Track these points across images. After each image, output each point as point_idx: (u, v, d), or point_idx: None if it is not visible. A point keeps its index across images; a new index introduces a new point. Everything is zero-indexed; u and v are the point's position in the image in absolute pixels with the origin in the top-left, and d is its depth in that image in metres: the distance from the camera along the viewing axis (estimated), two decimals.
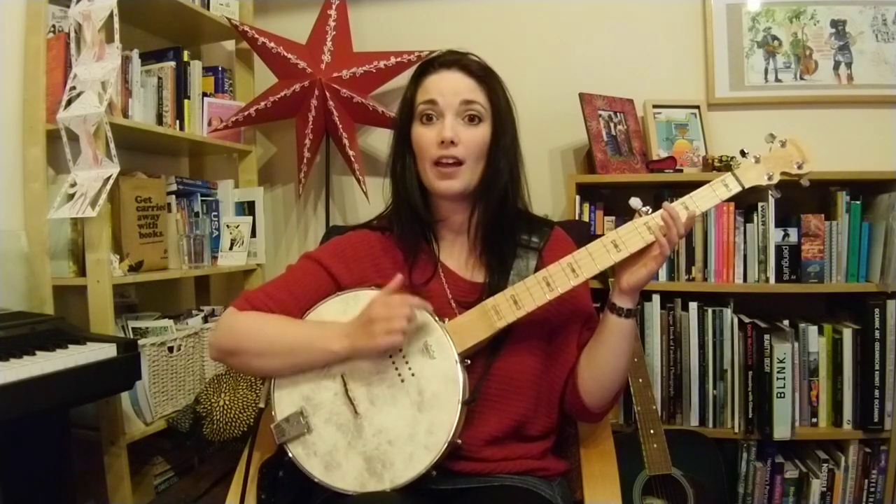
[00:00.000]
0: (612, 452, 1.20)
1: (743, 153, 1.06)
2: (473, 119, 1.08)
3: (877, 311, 1.72)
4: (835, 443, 1.82)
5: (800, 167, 1.04)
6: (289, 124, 2.17)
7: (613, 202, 1.94)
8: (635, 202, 1.04)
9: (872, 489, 1.77)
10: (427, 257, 1.14)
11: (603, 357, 1.07)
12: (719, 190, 1.03)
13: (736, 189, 1.03)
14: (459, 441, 1.00)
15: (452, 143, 1.06)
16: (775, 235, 1.79)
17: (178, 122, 1.98)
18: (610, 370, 1.07)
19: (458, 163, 1.07)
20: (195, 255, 1.99)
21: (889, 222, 1.71)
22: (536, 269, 1.08)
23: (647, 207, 1.03)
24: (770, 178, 1.04)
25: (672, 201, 1.03)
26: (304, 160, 2.12)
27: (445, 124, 1.06)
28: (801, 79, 2.01)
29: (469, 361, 1.03)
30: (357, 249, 1.16)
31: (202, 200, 2.10)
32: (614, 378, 1.08)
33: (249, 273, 2.22)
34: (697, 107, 2.05)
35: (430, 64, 1.12)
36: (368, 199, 2.15)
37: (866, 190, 1.79)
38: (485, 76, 1.11)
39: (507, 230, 1.13)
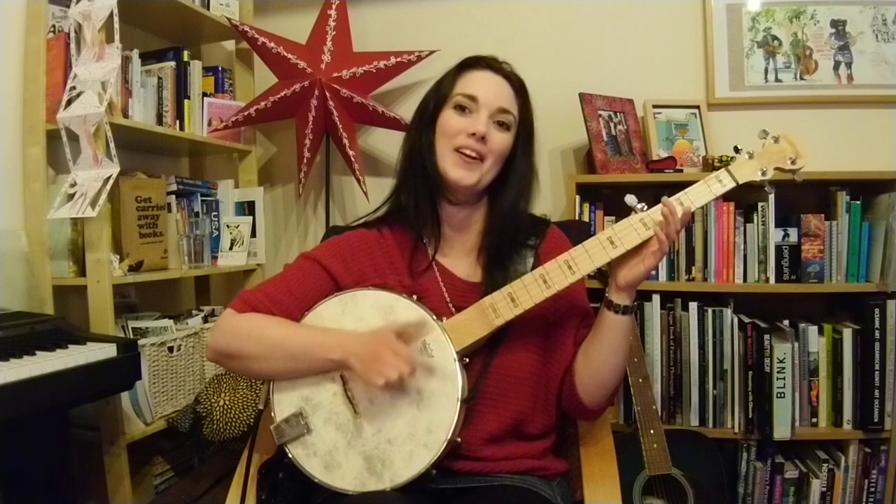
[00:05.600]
0: (611, 452, 1.20)
1: (736, 149, 1.06)
2: (503, 125, 1.11)
3: (877, 311, 1.72)
4: (835, 443, 1.82)
5: (793, 162, 1.04)
6: (289, 124, 2.17)
7: (613, 202, 1.94)
8: (631, 199, 1.04)
9: (872, 489, 1.77)
10: (424, 256, 1.15)
11: (600, 354, 1.07)
12: (713, 185, 1.03)
13: (730, 184, 1.03)
14: (459, 439, 1.00)
15: (483, 138, 1.07)
16: (775, 235, 1.79)
17: (178, 122, 1.98)
18: (607, 368, 1.08)
19: (480, 158, 1.09)
20: (195, 255, 1.99)
21: (889, 222, 1.71)
22: (533, 267, 1.09)
23: (643, 204, 1.03)
24: (764, 173, 1.04)
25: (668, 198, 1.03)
26: (304, 160, 2.12)
27: (479, 119, 1.08)
28: (801, 79, 2.01)
29: (468, 360, 1.03)
30: (355, 249, 1.16)
31: (202, 200, 2.10)
32: (611, 375, 1.09)
33: (249, 273, 2.22)
34: (697, 107, 2.05)
35: (479, 61, 1.15)
36: (368, 199, 2.15)
37: (866, 190, 1.79)
38: (522, 91, 1.16)
39: (512, 239, 1.14)
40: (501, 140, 1.11)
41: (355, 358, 0.98)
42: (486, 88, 1.11)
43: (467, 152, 1.08)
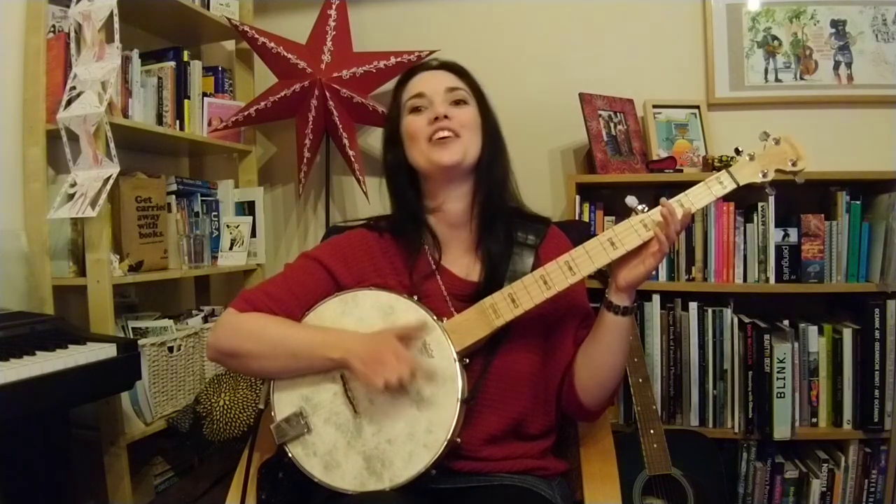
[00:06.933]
0: (611, 452, 1.20)
1: (738, 151, 1.07)
2: (459, 102, 1.13)
3: (877, 311, 1.72)
4: (835, 443, 1.82)
5: (794, 164, 1.05)
6: (289, 124, 2.17)
7: (613, 202, 1.94)
8: (631, 200, 1.04)
9: (872, 489, 1.76)
10: (424, 257, 1.15)
11: (600, 355, 1.07)
12: (714, 187, 1.03)
13: (731, 186, 1.03)
14: (458, 440, 1.00)
15: (446, 117, 1.09)
16: (775, 235, 1.79)
17: (178, 122, 1.98)
18: (607, 368, 1.08)
19: (455, 136, 1.10)
20: (195, 255, 1.99)
21: (889, 222, 1.71)
22: (533, 268, 1.09)
23: (644, 205, 1.03)
24: (765, 175, 1.04)
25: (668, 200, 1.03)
26: (304, 160, 2.12)
27: (435, 105, 1.11)
28: (801, 79, 2.01)
29: (468, 360, 1.03)
30: (356, 249, 1.16)
31: (202, 200, 2.10)
32: (611, 376, 1.09)
33: (249, 273, 2.22)
34: (697, 107, 2.05)
35: (412, 70, 1.19)
36: (368, 199, 2.15)
37: (866, 190, 1.79)
38: (463, 71, 1.19)
39: (505, 218, 1.15)
40: (465, 113, 1.13)
41: (356, 358, 0.98)
42: (426, 82, 1.15)
43: (440, 134, 1.09)
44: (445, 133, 1.09)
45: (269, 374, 1.07)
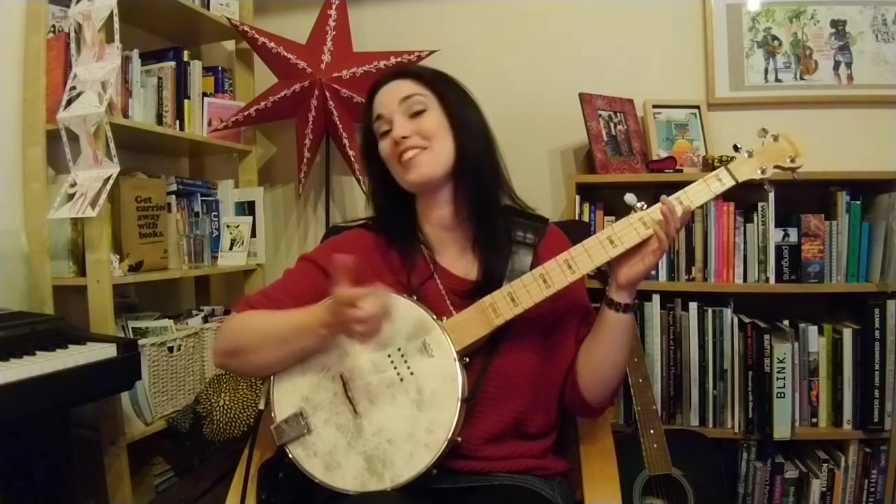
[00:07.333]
0: (612, 452, 1.20)
1: (736, 148, 1.06)
2: (418, 113, 1.10)
3: (877, 311, 1.71)
4: (835, 443, 1.82)
5: (793, 161, 1.04)
6: (289, 124, 2.17)
7: (613, 202, 1.94)
8: (630, 198, 1.04)
9: (872, 489, 1.76)
10: (422, 258, 1.15)
11: (601, 353, 1.08)
12: (713, 184, 1.03)
13: (729, 183, 1.03)
14: (459, 439, 1.00)
15: (404, 138, 1.08)
16: (775, 235, 1.79)
17: (178, 122, 1.98)
18: (609, 366, 1.08)
19: (423, 149, 1.09)
20: (195, 255, 1.99)
21: (889, 222, 1.71)
22: (532, 266, 1.09)
23: (643, 203, 1.03)
24: (763, 171, 1.04)
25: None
26: (304, 160, 2.13)
27: (395, 126, 1.09)
28: (801, 79, 2.01)
29: (468, 359, 1.03)
30: (353, 249, 1.15)
31: (202, 200, 2.10)
32: (613, 373, 1.09)
33: (249, 273, 2.22)
34: (697, 107, 2.05)
35: (374, 86, 1.16)
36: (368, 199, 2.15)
37: (866, 190, 1.79)
38: (420, 71, 1.15)
39: (500, 214, 1.14)
40: (426, 121, 1.09)
41: (326, 313, 0.96)
42: (382, 102, 1.12)
43: (407, 156, 1.08)
44: (410, 153, 1.08)
45: (269, 365, 1.07)
